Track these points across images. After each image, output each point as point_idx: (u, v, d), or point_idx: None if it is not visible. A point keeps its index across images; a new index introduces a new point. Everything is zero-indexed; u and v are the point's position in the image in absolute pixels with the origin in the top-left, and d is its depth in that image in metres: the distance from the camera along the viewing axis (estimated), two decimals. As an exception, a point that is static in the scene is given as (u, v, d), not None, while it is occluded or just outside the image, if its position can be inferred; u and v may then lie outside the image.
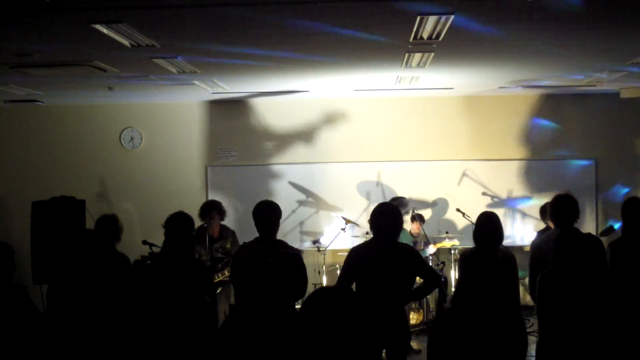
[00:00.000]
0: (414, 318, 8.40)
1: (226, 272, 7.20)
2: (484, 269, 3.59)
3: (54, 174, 9.94)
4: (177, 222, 6.13)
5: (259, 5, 4.61)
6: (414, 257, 5.26)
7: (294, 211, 9.80)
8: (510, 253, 5.76)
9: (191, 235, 5.64)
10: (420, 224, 8.64)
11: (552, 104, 9.85)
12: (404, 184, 9.70)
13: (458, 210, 8.85)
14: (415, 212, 8.77)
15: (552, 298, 4.26)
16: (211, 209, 7.39)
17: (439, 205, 9.80)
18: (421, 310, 8.50)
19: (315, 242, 9.32)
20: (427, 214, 9.60)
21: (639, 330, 4.23)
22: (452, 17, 4.87)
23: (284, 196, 9.63)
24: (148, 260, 5.84)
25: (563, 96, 9.79)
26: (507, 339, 3.54)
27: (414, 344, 7.65)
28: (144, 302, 4.45)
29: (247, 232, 5.90)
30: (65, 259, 5.59)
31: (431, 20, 4.98)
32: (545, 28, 5.47)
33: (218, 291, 7.09)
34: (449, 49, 6.05)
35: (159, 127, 10.05)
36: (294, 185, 9.90)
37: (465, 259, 3.73)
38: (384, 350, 5.25)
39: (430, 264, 8.25)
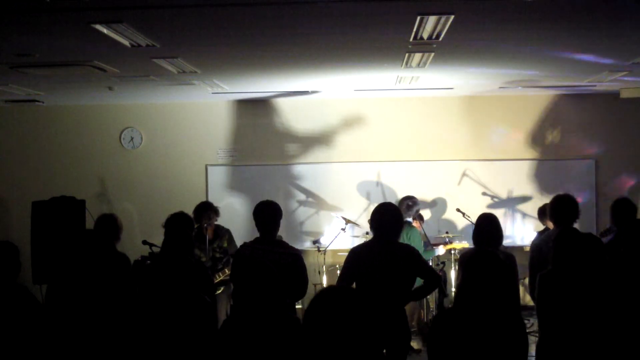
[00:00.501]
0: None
1: (227, 271, 7.20)
2: (486, 270, 3.59)
3: (54, 174, 9.93)
4: (177, 222, 6.13)
5: (259, 5, 4.61)
6: (414, 257, 5.26)
7: (294, 211, 9.80)
8: (511, 254, 5.77)
9: (191, 235, 5.63)
10: (421, 224, 8.63)
11: (552, 103, 9.85)
12: (404, 184, 9.69)
13: (458, 210, 8.85)
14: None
15: (552, 298, 4.27)
16: (207, 210, 7.37)
17: (439, 205, 9.80)
18: (421, 311, 8.50)
19: (315, 242, 9.32)
20: (427, 214, 9.59)
21: (639, 330, 4.23)
22: (452, 17, 4.88)
23: (284, 196, 9.63)
24: (148, 260, 5.84)
25: (563, 96, 9.79)
26: (507, 339, 3.54)
27: (414, 344, 7.65)
28: (144, 302, 4.45)
29: (247, 232, 5.91)
30: (65, 259, 5.59)
31: (431, 20, 4.98)
32: (545, 28, 5.47)
33: (220, 291, 7.09)
34: (449, 49, 6.06)
35: (159, 127, 10.05)
36: (294, 185, 9.89)
37: (468, 260, 3.73)
38: (384, 350, 5.25)
39: (430, 263, 8.25)
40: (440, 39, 5.55)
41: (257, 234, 5.51)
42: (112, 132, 10.06)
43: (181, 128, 10.04)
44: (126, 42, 5.47)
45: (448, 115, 9.89)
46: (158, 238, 5.63)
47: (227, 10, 4.72)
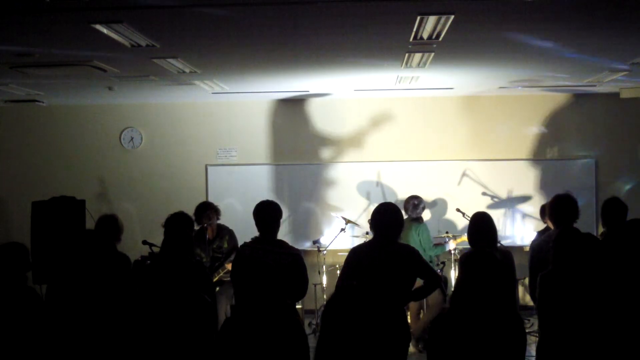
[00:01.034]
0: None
1: (221, 272, 7.20)
2: (483, 271, 3.59)
3: (54, 174, 9.93)
4: (177, 222, 6.13)
5: (259, 5, 4.61)
6: (415, 257, 5.26)
7: (294, 211, 9.80)
8: (508, 251, 5.76)
9: (191, 235, 5.64)
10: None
11: (552, 103, 9.85)
12: (404, 184, 9.70)
13: (458, 210, 8.85)
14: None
15: (553, 298, 4.26)
16: (209, 211, 7.38)
17: (439, 205, 9.80)
18: (421, 311, 8.49)
19: (315, 242, 9.31)
20: (427, 214, 9.59)
21: (639, 330, 4.23)
22: (452, 17, 4.88)
23: (284, 196, 9.63)
24: (148, 260, 5.84)
25: (563, 96, 9.79)
26: (505, 338, 3.54)
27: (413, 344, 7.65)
28: (144, 302, 4.46)
29: (247, 232, 5.90)
30: (65, 259, 5.59)
31: (431, 20, 4.99)
32: (545, 28, 5.47)
33: (216, 290, 7.09)
34: (449, 49, 6.05)
35: (159, 127, 10.05)
36: (294, 185, 9.89)
37: (465, 260, 3.74)
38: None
39: (434, 258, 8.27)
40: (440, 39, 5.55)
41: (257, 234, 5.50)
42: (112, 132, 10.06)
43: (181, 128, 10.04)
44: (126, 42, 5.47)
45: (448, 115, 9.89)
46: (158, 238, 5.63)
47: (227, 10, 4.72)
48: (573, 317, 4.13)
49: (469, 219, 5.98)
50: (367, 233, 8.70)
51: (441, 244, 8.36)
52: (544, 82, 8.52)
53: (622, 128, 9.83)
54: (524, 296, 8.99)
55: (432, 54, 6.33)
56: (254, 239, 5.47)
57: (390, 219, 5.25)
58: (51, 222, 7.13)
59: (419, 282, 5.35)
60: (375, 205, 5.48)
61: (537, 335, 4.49)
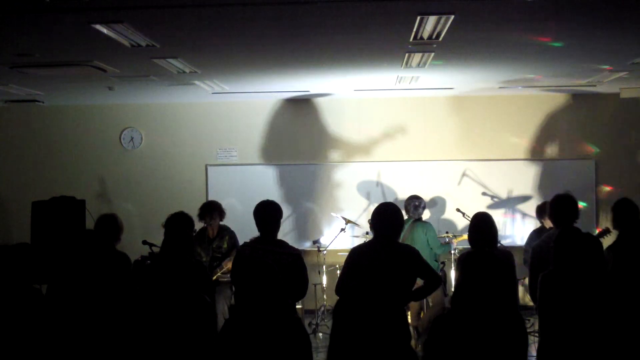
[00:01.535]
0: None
1: (219, 272, 7.20)
2: (484, 270, 3.59)
3: (54, 174, 9.93)
4: (177, 222, 6.12)
5: (259, 5, 4.61)
6: (415, 257, 5.26)
7: (294, 211, 9.80)
8: (509, 252, 5.75)
9: (191, 235, 5.64)
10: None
11: (552, 103, 9.86)
12: (404, 184, 9.70)
13: (458, 210, 8.85)
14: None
15: (553, 298, 4.26)
16: (213, 210, 7.38)
17: (439, 205, 9.80)
18: (422, 311, 8.49)
19: (315, 242, 9.32)
20: (427, 214, 9.59)
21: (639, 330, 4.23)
22: (452, 17, 4.88)
23: (284, 196, 9.63)
24: (148, 260, 5.84)
25: (563, 96, 9.79)
26: (507, 338, 3.54)
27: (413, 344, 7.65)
28: (144, 302, 4.45)
29: (247, 232, 5.90)
30: (65, 259, 5.59)
31: (431, 20, 4.99)
32: (545, 28, 5.47)
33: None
34: (449, 49, 6.06)
35: (159, 127, 10.05)
36: (294, 185, 9.89)
37: (465, 260, 3.73)
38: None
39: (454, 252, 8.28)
40: (440, 39, 5.55)
41: (257, 234, 5.50)
42: (112, 132, 10.06)
43: (181, 128, 10.04)
44: (126, 42, 5.47)
45: (448, 115, 9.89)
46: (158, 238, 5.63)
47: (227, 10, 4.72)
48: (574, 317, 4.13)
49: (469, 219, 5.98)
50: (367, 233, 8.71)
51: (447, 243, 8.36)
52: (544, 82, 8.53)
53: (622, 128, 9.84)
54: (524, 296, 8.99)
55: (432, 54, 6.34)
56: (254, 239, 5.47)
57: (390, 219, 5.25)
58: (51, 222, 7.13)
59: (419, 282, 5.35)
60: (375, 205, 5.48)
61: (537, 335, 4.49)
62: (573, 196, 5.73)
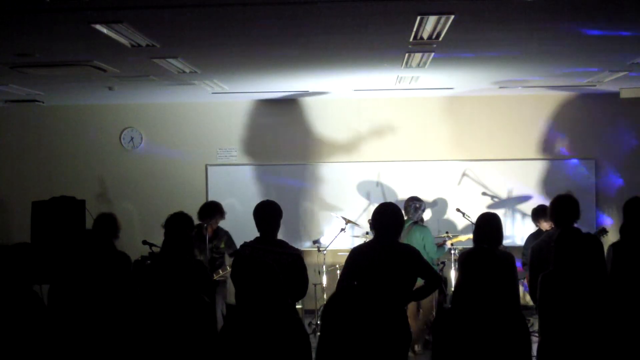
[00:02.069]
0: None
1: (220, 272, 7.20)
2: (483, 268, 3.59)
3: (54, 174, 9.93)
4: (177, 222, 6.13)
5: (259, 5, 4.61)
6: (415, 257, 5.26)
7: (294, 211, 9.79)
8: (509, 253, 5.75)
9: (190, 235, 5.63)
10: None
11: (552, 103, 9.86)
12: (404, 184, 9.70)
13: (458, 210, 8.85)
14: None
15: (554, 299, 4.26)
16: (215, 212, 7.37)
17: (439, 205, 9.80)
18: (421, 310, 8.48)
19: (315, 242, 9.31)
20: (427, 214, 9.58)
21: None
22: (452, 17, 4.88)
23: (284, 196, 9.62)
24: (148, 260, 5.84)
25: (563, 96, 9.79)
26: (509, 336, 3.53)
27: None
28: (144, 302, 4.45)
29: (247, 232, 5.90)
30: (65, 259, 5.59)
31: (431, 20, 4.99)
32: (545, 28, 5.47)
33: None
34: (449, 49, 6.05)
35: (159, 127, 10.05)
36: (294, 185, 9.89)
37: (465, 258, 3.74)
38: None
39: (438, 259, 8.26)
40: (440, 39, 5.55)
41: (257, 234, 5.50)
42: (112, 132, 10.06)
43: (181, 128, 10.04)
44: (126, 42, 5.47)
45: (448, 115, 9.89)
46: (158, 238, 5.63)
47: (227, 10, 4.72)
48: (574, 317, 4.13)
49: (469, 219, 5.98)
50: (367, 233, 8.70)
51: (441, 245, 8.35)
52: (544, 82, 8.53)
53: (622, 128, 9.83)
54: (524, 296, 8.99)
55: (432, 54, 6.33)
56: (254, 239, 5.47)
57: (390, 219, 5.25)
58: (51, 222, 7.13)
59: (419, 282, 5.35)
60: (376, 205, 5.48)
61: (538, 335, 4.49)
62: (574, 196, 5.74)
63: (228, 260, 7.38)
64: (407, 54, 6.38)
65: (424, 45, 5.91)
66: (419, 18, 4.93)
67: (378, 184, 9.86)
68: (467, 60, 6.87)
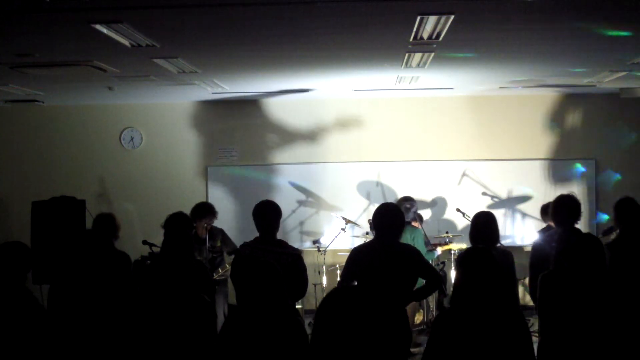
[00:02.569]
0: (418, 319, 8.39)
1: (220, 271, 7.20)
2: (480, 267, 3.59)
3: (54, 174, 9.93)
4: (177, 222, 6.13)
5: (260, 5, 4.61)
6: (416, 257, 5.26)
7: (294, 211, 9.80)
8: (508, 251, 5.75)
9: (190, 235, 5.64)
10: (420, 224, 8.63)
11: (552, 103, 9.86)
12: (404, 184, 9.70)
13: (458, 210, 8.85)
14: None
15: (554, 299, 4.26)
16: (206, 212, 7.35)
17: (438, 205, 9.80)
18: (421, 310, 8.50)
19: (315, 242, 9.31)
20: (427, 214, 9.60)
21: None
22: (452, 17, 4.88)
23: (284, 196, 9.62)
24: (148, 260, 5.85)
25: (563, 96, 9.79)
26: (508, 336, 3.53)
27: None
28: (144, 302, 4.46)
29: (247, 232, 5.90)
30: (65, 259, 5.59)
31: (431, 20, 4.99)
32: (545, 28, 5.47)
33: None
34: (449, 49, 6.05)
35: (159, 127, 10.06)
36: (294, 185, 9.90)
37: (461, 258, 3.74)
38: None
39: (431, 262, 8.24)
40: (440, 39, 5.55)
41: (257, 234, 5.50)
42: (112, 132, 10.06)
43: (181, 128, 10.04)
44: (126, 42, 5.47)
45: (448, 115, 9.89)
46: (158, 238, 5.63)
47: (227, 10, 4.72)
48: (574, 317, 4.13)
49: (469, 219, 5.97)
50: (367, 233, 8.71)
51: (432, 250, 8.32)
52: (544, 82, 8.53)
53: (622, 128, 9.84)
54: (524, 296, 8.99)
55: (432, 54, 6.33)
56: (254, 239, 5.47)
57: (391, 220, 5.25)
58: (51, 222, 7.13)
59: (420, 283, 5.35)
60: (376, 205, 5.49)
61: (537, 335, 4.49)
62: (575, 196, 5.74)
63: (228, 259, 7.38)
64: (407, 54, 6.38)
65: (424, 45, 5.91)
66: (419, 18, 4.93)
67: (378, 184, 9.86)
68: (467, 60, 6.87)
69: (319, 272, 9.05)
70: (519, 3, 4.59)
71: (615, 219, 5.85)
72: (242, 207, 9.47)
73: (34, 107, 9.71)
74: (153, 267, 5.36)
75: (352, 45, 6.04)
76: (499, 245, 5.70)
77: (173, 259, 4.98)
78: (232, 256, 6.41)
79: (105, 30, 5.05)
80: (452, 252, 8.64)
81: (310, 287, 6.18)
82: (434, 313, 8.54)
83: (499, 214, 9.57)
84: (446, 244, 8.70)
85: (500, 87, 9.01)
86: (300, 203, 9.88)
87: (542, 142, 9.88)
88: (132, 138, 10.06)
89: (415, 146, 9.91)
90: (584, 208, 7.63)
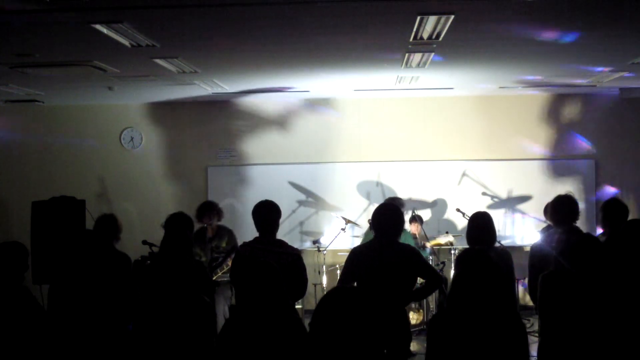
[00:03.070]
0: (414, 318, 8.40)
1: (219, 272, 7.20)
2: (476, 268, 3.59)
3: (54, 174, 9.93)
4: (177, 222, 6.13)
5: (260, 5, 4.61)
6: (415, 257, 5.26)
7: (294, 211, 9.80)
8: (506, 251, 5.74)
9: (190, 235, 5.63)
10: (420, 225, 8.64)
11: (552, 103, 9.86)
12: (404, 184, 9.70)
13: (458, 210, 8.85)
14: (415, 212, 8.76)
15: (554, 299, 4.26)
16: (211, 211, 7.37)
17: (438, 205, 9.80)
18: (421, 310, 8.50)
19: (315, 242, 9.31)
20: (427, 214, 9.60)
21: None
22: (452, 17, 4.88)
23: (284, 196, 9.62)
24: (148, 260, 5.84)
25: (563, 96, 9.79)
26: (504, 337, 3.53)
27: (413, 344, 7.64)
28: (144, 302, 4.46)
29: (247, 232, 5.90)
30: (65, 259, 5.59)
31: (431, 20, 4.99)
32: (545, 28, 5.47)
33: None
34: (449, 49, 6.06)
35: (159, 127, 10.05)
36: (294, 185, 9.89)
37: (459, 259, 3.75)
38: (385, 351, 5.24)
39: (431, 263, 8.25)
40: (440, 39, 5.55)
41: (257, 234, 5.50)
42: (112, 132, 10.06)
43: (181, 128, 10.04)
44: (126, 42, 5.47)
45: (448, 115, 9.89)
46: (158, 238, 5.62)
47: (227, 10, 4.72)
48: (574, 317, 4.13)
49: (469, 218, 5.95)
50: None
51: (422, 249, 8.31)
52: (544, 82, 8.53)
53: (622, 128, 9.84)
54: (524, 296, 8.99)
55: (432, 54, 6.33)
56: (254, 239, 5.47)
57: (391, 220, 5.25)
58: (51, 222, 7.12)
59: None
60: (376, 205, 5.48)
61: (537, 335, 4.49)
62: (573, 197, 5.74)
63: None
64: (407, 54, 6.38)
65: (424, 45, 5.91)
66: (419, 18, 4.94)
67: (378, 184, 9.86)
68: (467, 60, 6.87)
69: (319, 272, 9.04)
70: (519, 3, 4.59)
71: (602, 220, 5.84)
72: (242, 207, 9.47)
73: (34, 107, 9.71)
74: (152, 267, 5.36)
75: (352, 45, 6.04)
76: (497, 244, 5.70)
77: (172, 259, 4.98)
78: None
79: (105, 30, 5.05)
80: (453, 252, 8.63)
81: (310, 287, 6.18)
82: (434, 313, 8.53)
83: (499, 214, 9.61)
84: (433, 238, 8.69)
85: (500, 87, 9.01)
86: (300, 203, 9.88)
87: (542, 142, 9.88)
88: (132, 138, 10.06)
89: (415, 146, 9.91)
90: (585, 208, 7.66)
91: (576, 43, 6.06)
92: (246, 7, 4.63)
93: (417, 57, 6.47)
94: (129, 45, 5.57)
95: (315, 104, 9.90)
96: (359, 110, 9.91)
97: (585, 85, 8.65)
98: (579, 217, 5.64)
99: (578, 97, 9.75)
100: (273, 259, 4.91)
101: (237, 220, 8.99)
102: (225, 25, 5.18)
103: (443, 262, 8.22)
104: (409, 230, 7.85)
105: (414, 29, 5.27)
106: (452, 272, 8.51)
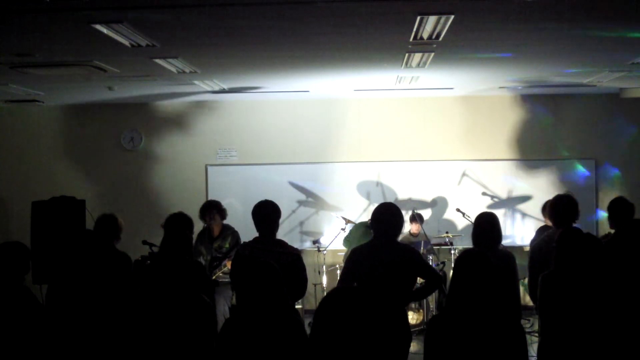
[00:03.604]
0: (414, 318, 8.40)
1: (218, 272, 7.20)
2: (474, 270, 3.57)
3: (54, 174, 9.93)
4: (176, 222, 6.13)
5: (260, 5, 4.62)
6: (415, 257, 5.26)
7: (294, 211, 9.80)
8: (509, 252, 5.74)
9: (189, 235, 5.63)
10: (420, 224, 8.64)
11: (552, 103, 9.86)
12: (404, 184, 9.70)
13: (458, 210, 8.85)
14: (415, 212, 8.77)
15: (554, 299, 4.26)
16: (211, 209, 7.38)
17: (438, 205, 9.80)
18: (421, 310, 8.50)
19: (315, 242, 9.32)
20: (427, 214, 9.59)
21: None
22: (452, 17, 4.88)
23: (284, 196, 9.62)
24: (148, 260, 5.84)
25: (563, 96, 9.79)
26: (501, 339, 3.52)
27: (413, 344, 7.64)
28: (143, 302, 4.46)
29: (247, 232, 5.90)
30: (65, 258, 5.59)
31: (431, 20, 4.99)
32: (545, 28, 5.47)
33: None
34: (449, 49, 6.06)
35: (159, 127, 10.06)
36: (294, 185, 9.90)
37: (457, 260, 3.74)
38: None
39: (431, 263, 8.25)
40: (440, 39, 5.55)
41: (257, 234, 5.50)
42: (112, 132, 10.06)
43: (181, 128, 10.04)
44: (126, 42, 5.47)
45: (448, 115, 9.89)
46: (158, 238, 5.62)
47: (227, 10, 4.72)
48: (575, 317, 4.13)
49: (469, 218, 5.96)
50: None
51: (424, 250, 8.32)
52: (544, 82, 8.53)
53: (622, 128, 9.84)
54: (524, 296, 8.98)
55: (432, 54, 6.34)
56: (253, 239, 5.47)
57: (390, 220, 5.24)
58: (51, 222, 7.11)
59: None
60: (376, 205, 5.48)
61: (537, 335, 4.48)
62: (573, 196, 5.74)
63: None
64: (407, 54, 6.38)
65: (424, 45, 5.91)
66: (419, 18, 4.93)
67: (378, 184, 9.86)
68: (467, 60, 6.87)
69: (319, 272, 9.05)
70: (519, 3, 4.59)
71: (609, 219, 5.86)
72: (242, 207, 9.46)
73: (34, 107, 9.71)
74: (152, 267, 5.36)
75: (352, 45, 6.04)
76: (501, 247, 5.69)
77: (172, 259, 4.98)
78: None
79: (105, 30, 5.05)
80: (453, 252, 8.63)
81: (310, 287, 6.18)
82: (434, 313, 8.53)
83: (499, 214, 9.50)
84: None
85: (500, 87, 9.01)
86: (300, 203, 9.88)
87: (542, 142, 9.88)
88: (132, 138, 10.06)
89: (415, 146, 9.91)
90: (585, 208, 7.65)
91: (576, 43, 6.06)
92: (246, 7, 4.64)
93: (417, 57, 6.47)
94: (129, 45, 5.57)
95: (315, 104, 9.90)
96: (359, 110, 9.91)
97: (585, 85, 8.65)
98: (579, 217, 5.65)
99: (578, 97, 9.74)
100: (273, 259, 4.91)
101: (237, 220, 8.96)
102: (225, 25, 5.18)
103: (443, 262, 8.22)
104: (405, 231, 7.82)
105: (414, 29, 5.27)
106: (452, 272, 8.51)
